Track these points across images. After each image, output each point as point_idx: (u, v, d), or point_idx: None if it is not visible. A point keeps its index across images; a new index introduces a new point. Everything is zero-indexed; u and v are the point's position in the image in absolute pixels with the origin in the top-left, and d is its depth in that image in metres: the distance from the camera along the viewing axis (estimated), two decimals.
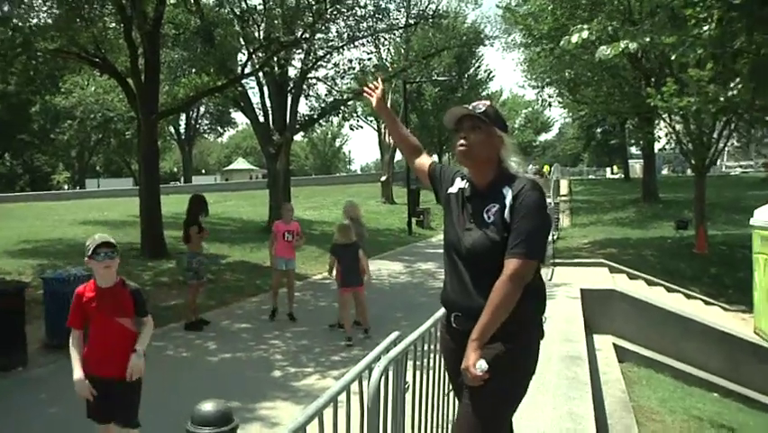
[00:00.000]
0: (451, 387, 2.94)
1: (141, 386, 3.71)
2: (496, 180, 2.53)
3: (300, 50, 18.58)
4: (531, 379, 2.58)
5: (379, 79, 3.23)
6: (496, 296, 2.37)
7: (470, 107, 2.58)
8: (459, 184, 2.67)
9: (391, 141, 34.97)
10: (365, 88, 3.22)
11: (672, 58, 5.87)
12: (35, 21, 13.57)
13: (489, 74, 45.84)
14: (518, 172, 2.56)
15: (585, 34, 5.62)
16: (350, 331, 7.59)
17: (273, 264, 9.13)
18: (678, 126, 16.90)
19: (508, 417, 2.62)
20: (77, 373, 3.50)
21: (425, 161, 2.99)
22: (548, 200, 2.54)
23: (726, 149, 32.18)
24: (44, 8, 13.96)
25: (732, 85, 7.40)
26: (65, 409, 5.49)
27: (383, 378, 2.45)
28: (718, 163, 41.94)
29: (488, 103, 2.62)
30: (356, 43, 19.73)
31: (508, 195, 2.45)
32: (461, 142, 2.55)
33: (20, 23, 12.52)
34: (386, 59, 28.01)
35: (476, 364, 2.36)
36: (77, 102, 37.27)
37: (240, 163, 70.97)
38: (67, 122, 39.49)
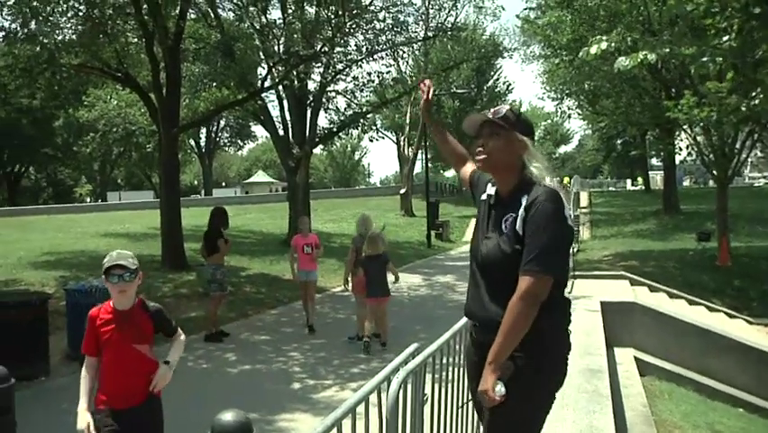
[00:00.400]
0: (470, 397, 2.82)
1: (161, 407, 3.45)
2: (517, 188, 2.42)
3: (319, 64, 18.69)
4: (555, 396, 2.48)
5: (428, 82, 3.04)
6: (509, 317, 2.27)
7: (489, 113, 2.50)
8: (489, 191, 2.57)
9: (411, 153, 35.03)
10: (420, 85, 3.05)
11: (692, 69, 5.85)
12: (60, 37, 13.81)
13: (508, 86, 45.80)
14: (540, 180, 2.39)
15: (604, 45, 5.60)
16: (367, 331, 7.73)
17: (296, 278, 9.25)
18: (699, 138, 16.76)
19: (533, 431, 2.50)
20: (82, 403, 3.26)
21: (468, 168, 2.90)
22: (569, 212, 2.42)
23: (750, 159, 31.81)
24: (69, 24, 14.20)
25: (753, 95, 7.33)
26: None
27: (402, 390, 2.45)
28: (742, 174, 41.46)
29: (507, 107, 2.51)
30: (375, 56, 19.83)
31: (523, 204, 2.34)
32: (479, 150, 2.48)
33: (45, 40, 12.77)
34: (405, 72, 28.07)
35: (495, 389, 2.27)
36: (99, 115, 37.81)
37: (260, 176, 71.45)
38: (89, 135, 40.03)
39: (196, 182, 76.20)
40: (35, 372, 6.68)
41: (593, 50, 5.71)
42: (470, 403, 3.03)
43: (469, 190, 2.86)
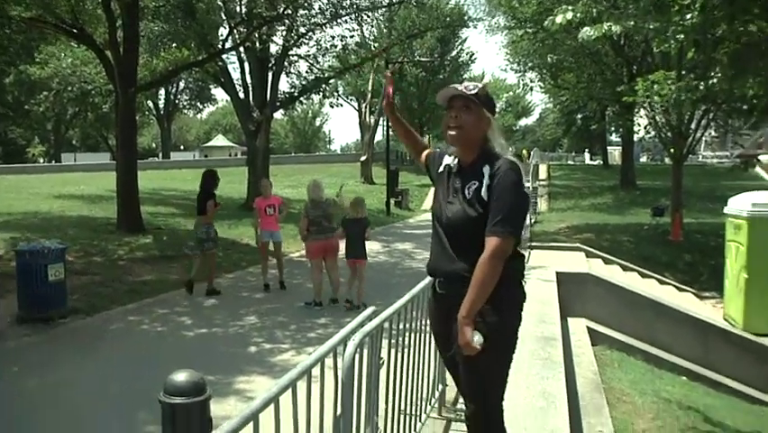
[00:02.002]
0: (440, 351, 3.12)
1: None
2: (479, 159, 2.64)
3: (282, 26, 18.35)
4: (517, 339, 2.76)
5: (389, 73, 3.25)
6: (480, 273, 2.49)
7: (463, 88, 2.67)
8: (447, 161, 2.81)
9: (372, 121, 34.88)
10: (387, 74, 3.26)
11: (655, 44, 5.89)
12: None
13: (471, 56, 45.73)
14: (501, 153, 2.64)
15: (570, 15, 5.61)
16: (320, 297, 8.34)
17: (259, 239, 9.43)
18: (657, 116, 17.04)
19: (506, 375, 2.76)
20: None
21: (423, 154, 3.14)
22: (526, 184, 2.63)
23: (704, 139, 32.53)
24: None
25: (712, 74, 7.46)
26: (38, 381, 5.45)
27: (358, 352, 2.45)
28: (696, 153, 42.41)
29: (480, 85, 2.70)
30: (338, 21, 19.57)
31: (487, 173, 2.58)
32: (453, 121, 2.66)
33: None
34: (368, 38, 27.76)
35: (473, 340, 2.48)
36: (52, 73, 36.51)
37: (219, 140, 70.34)
38: (42, 93, 38.70)
39: (154, 145, 74.57)
40: None
41: (559, 19, 5.72)
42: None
43: (425, 170, 3.09)
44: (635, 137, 28.06)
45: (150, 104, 52.61)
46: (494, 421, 2.75)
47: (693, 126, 16.70)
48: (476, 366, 2.63)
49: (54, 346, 6.59)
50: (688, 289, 12.90)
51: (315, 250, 8.37)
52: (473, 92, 2.64)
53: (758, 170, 33.43)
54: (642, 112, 19.80)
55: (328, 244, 8.33)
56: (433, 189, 2.97)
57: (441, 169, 2.84)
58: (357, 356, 2.46)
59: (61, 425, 4.49)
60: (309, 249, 8.48)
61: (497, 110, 2.83)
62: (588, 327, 8.71)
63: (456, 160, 2.75)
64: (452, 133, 2.66)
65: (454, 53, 44.33)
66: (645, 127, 18.20)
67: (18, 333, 6.88)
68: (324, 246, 8.33)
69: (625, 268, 12.88)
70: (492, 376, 2.70)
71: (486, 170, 2.58)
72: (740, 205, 9.54)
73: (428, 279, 3.20)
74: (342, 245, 8.45)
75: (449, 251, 2.68)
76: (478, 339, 2.48)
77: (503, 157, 2.61)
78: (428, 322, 3.28)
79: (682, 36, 5.85)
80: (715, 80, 6.87)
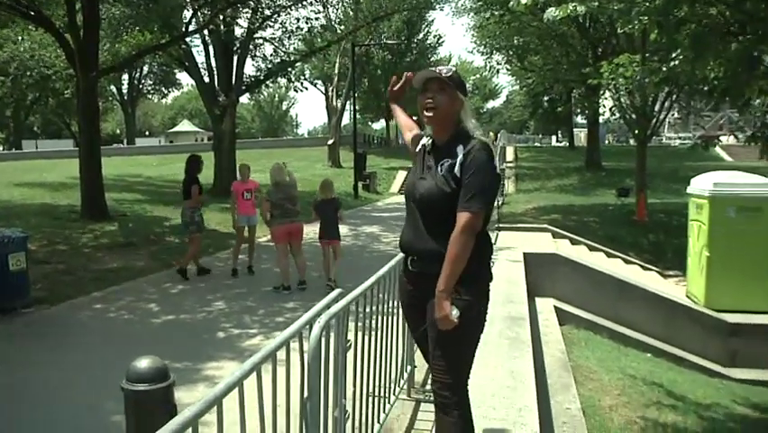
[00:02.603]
0: (411, 329, 3.24)
1: None
2: (452, 139, 2.76)
3: (247, 9, 18.10)
4: (486, 317, 2.87)
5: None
6: (453, 248, 2.61)
7: (438, 71, 2.80)
8: (423, 141, 2.95)
9: (339, 104, 34.69)
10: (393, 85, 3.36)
11: (619, 25, 5.91)
12: None
13: (438, 39, 45.74)
14: (474, 133, 2.75)
15: None
16: (288, 280, 8.39)
17: (236, 223, 9.60)
18: (622, 98, 17.21)
19: (474, 351, 2.86)
20: None
21: (412, 134, 3.25)
22: (496, 163, 2.69)
23: (668, 120, 33.03)
24: None
25: (674, 55, 7.54)
26: (1, 373, 5.35)
27: (324, 334, 2.44)
28: (660, 134, 43.07)
29: (453, 69, 2.85)
30: (304, 3, 19.35)
31: (460, 152, 2.69)
32: (429, 102, 2.77)
33: None
34: (334, 21, 27.54)
35: (451, 313, 2.60)
36: (9, 57, 35.47)
37: (185, 125, 69.23)
38: None
39: (118, 131, 73.28)
40: None
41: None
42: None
43: (412, 150, 3.15)
44: (601, 119, 28.39)
45: (114, 89, 51.62)
46: (462, 398, 2.82)
47: (657, 108, 16.92)
48: (449, 342, 2.72)
49: (17, 337, 6.46)
50: (652, 268, 13.15)
51: (281, 234, 8.38)
52: (448, 75, 2.77)
53: (719, 150, 34.10)
54: (607, 94, 19.99)
55: (293, 227, 8.40)
56: (400, 172, 3.03)
57: (418, 148, 2.98)
58: (323, 339, 2.45)
59: (27, 417, 4.41)
60: (274, 233, 8.48)
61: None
62: (555, 307, 8.83)
63: (430, 140, 2.88)
64: (429, 114, 2.78)
65: (421, 36, 44.29)
66: (611, 109, 18.37)
67: None
68: (288, 230, 8.36)
69: (591, 248, 13.06)
70: (462, 353, 2.80)
71: (459, 149, 2.69)
72: (702, 185, 9.72)
73: (394, 260, 3.30)
74: (315, 228, 8.57)
75: (422, 228, 2.78)
76: (455, 313, 2.60)
77: (476, 137, 2.73)
78: (398, 302, 3.35)
79: (645, 18, 5.92)
80: (677, 62, 6.94)
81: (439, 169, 2.72)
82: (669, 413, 6.12)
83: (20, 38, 34.66)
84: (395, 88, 3.30)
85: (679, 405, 6.40)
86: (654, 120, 17.03)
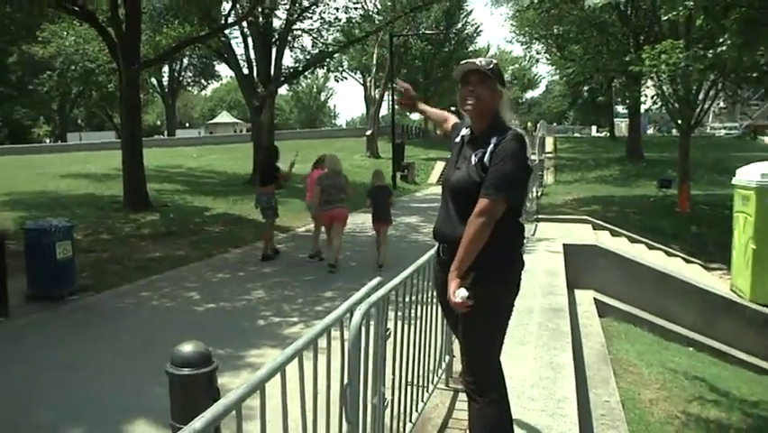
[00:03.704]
0: (445, 316, 3.33)
1: None
2: (488, 130, 2.79)
3: (285, 0, 18.18)
4: (513, 306, 2.87)
5: (399, 82, 3.59)
6: (467, 231, 2.65)
7: (478, 62, 2.82)
8: (462, 132, 2.98)
9: (377, 95, 34.65)
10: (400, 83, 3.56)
11: (662, 11, 5.78)
12: None
13: (476, 29, 45.32)
14: (510, 125, 2.79)
15: None
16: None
17: (313, 210, 9.79)
18: (665, 87, 16.86)
19: (497, 338, 2.86)
20: None
21: (449, 123, 3.35)
22: (532, 156, 2.71)
23: (713, 110, 32.21)
24: None
25: (720, 41, 7.33)
26: (45, 355, 5.51)
27: (364, 322, 2.46)
28: (704, 124, 42.04)
29: (494, 61, 2.87)
30: None
31: (493, 142, 2.72)
32: (469, 94, 2.79)
33: None
34: (372, 12, 27.48)
35: (456, 293, 2.59)
36: (55, 52, 36.26)
37: (224, 117, 70.05)
38: (46, 73, 38.53)
39: (159, 123, 74.45)
40: None
41: None
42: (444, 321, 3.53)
43: (449, 138, 3.23)
44: (642, 108, 27.85)
45: (155, 81, 52.33)
46: (487, 384, 2.83)
47: (701, 96, 16.53)
48: (469, 327, 2.77)
49: (64, 323, 6.64)
50: (695, 260, 12.88)
51: (324, 218, 9.21)
52: (489, 67, 2.79)
53: (767, 140, 33.15)
54: (649, 82, 19.60)
55: (336, 212, 9.05)
56: (438, 163, 3.05)
57: (457, 139, 3.01)
58: (363, 327, 2.46)
59: (73, 400, 4.54)
60: (320, 217, 9.32)
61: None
62: (595, 299, 8.72)
63: (469, 130, 2.92)
64: (469, 106, 2.81)
65: (460, 26, 43.90)
66: (652, 98, 18.01)
67: (28, 310, 6.93)
68: (332, 215, 9.06)
69: (632, 240, 12.86)
70: (484, 338, 2.81)
71: (494, 140, 2.72)
72: (748, 175, 9.47)
73: (433, 250, 3.29)
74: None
75: (454, 217, 2.81)
76: (462, 294, 2.58)
77: (512, 129, 2.76)
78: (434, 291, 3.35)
79: (691, 2, 5.77)
80: (724, 48, 6.75)
81: (473, 158, 2.76)
82: (712, 409, 6.00)
83: (65, 33, 35.40)
84: (403, 103, 3.44)
85: (723, 401, 6.27)
86: (698, 109, 16.65)
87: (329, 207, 9.01)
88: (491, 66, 2.82)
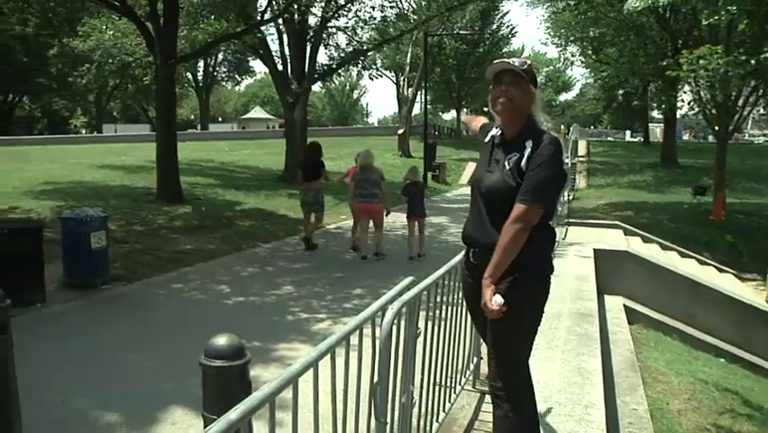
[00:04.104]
0: (473, 321, 3.26)
1: None
2: (522, 133, 2.72)
3: None
4: (544, 310, 2.83)
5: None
6: (503, 237, 2.61)
7: (513, 62, 2.75)
8: (492, 133, 2.90)
9: (410, 94, 34.63)
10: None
11: (704, 16, 5.67)
12: None
13: (511, 30, 45.01)
14: (544, 127, 2.75)
15: None
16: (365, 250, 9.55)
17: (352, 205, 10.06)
18: (702, 92, 16.58)
19: (527, 344, 2.83)
20: None
21: (478, 125, 3.33)
22: (566, 160, 2.68)
23: (752, 116, 31.57)
24: None
25: (764, 48, 7.18)
26: (80, 341, 5.63)
27: (396, 321, 2.47)
28: (742, 131, 41.24)
29: (527, 61, 2.80)
30: None
31: (529, 147, 2.66)
32: (502, 95, 2.72)
33: None
34: (407, 10, 27.46)
35: (492, 300, 2.57)
36: (94, 45, 36.93)
37: (257, 112, 70.62)
38: (85, 66, 39.24)
39: (192, 117, 75.32)
40: (32, 298, 6.70)
41: None
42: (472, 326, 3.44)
43: (479, 138, 3.19)
44: (678, 114, 27.42)
45: (190, 76, 53.00)
46: (514, 392, 2.78)
47: (740, 103, 16.22)
48: (499, 332, 2.72)
49: (98, 311, 6.77)
50: (728, 270, 12.67)
51: (358, 210, 9.57)
52: (523, 67, 2.73)
53: None
54: (686, 87, 19.29)
55: (370, 206, 9.40)
56: (470, 164, 3.01)
57: (486, 139, 2.94)
58: (395, 325, 2.48)
59: (105, 387, 4.63)
60: (353, 209, 9.73)
61: (537, 84, 2.90)
62: (625, 305, 8.62)
63: (500, 132, 2.83)
64: (501, 107, 2.74)
65: (495, 27, 43.65)
66: (689, 103, 17.72)
67: (63, 298, 7.08)
68: (365, 208, 9.42)
69: (664, 247, 12.69)
70: (513, 344, 2.76)
71: (529, 143, 2.66)
72: None
73: (465, 251, 3.23)
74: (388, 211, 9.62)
75: (486, 221, 2.76)
76: (498, 300, 2.56)
77: (547, 132, 2.71)
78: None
79: (734, 7, 5.66)
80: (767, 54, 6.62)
81: (507, 163, 2.70)
82: (744, 423, 5.89)
83: (105, 27, 36.04)
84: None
85: (756, 415, 6.15)
86: (737, 115, 16.34)
87: (362, 200, 9.36)
88: (525, 66, 2.75)
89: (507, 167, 2.69)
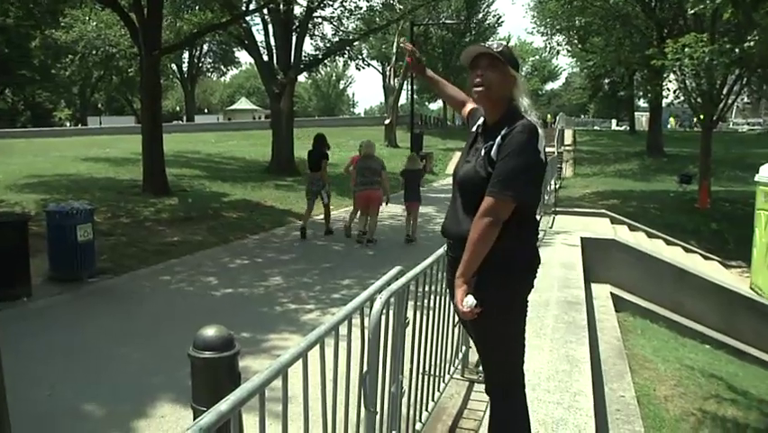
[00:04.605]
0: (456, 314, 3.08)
1: None
2: (502, 119, 2.54)
3: None
4: (528, 302, 2.64)
5: (404, 44, 3.34)
6: (472, 233, 2.42)
7: (487, 46, 2.60)
8: (479, 122, 2.73)
9: (396, 83, 34.58)
10: (407, 56, 3.24)
11: (689, 4, 5.69)
12: None
13: (497, 19, 45.06)
14: (526, 113, 2.53)
15: None
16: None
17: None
18: (688, 81, 16.66)
19: (512, 344, 2.65)
20: None
21: (467, 108, 3.06)
22: (550, 149, 2.51)
23: (736, 105, 31.78)
24: None
25: (749, 37, 7.21)
26: (66, 335, 5.60)
27: (384, 310, 2.47)
28: (727, 120, 41.54)
29: (504, 43, 2.65)
30: None
31: (501, 134, 2.48)
32: (478, 80, 2.56)
33: None
34: (393, 0, 27.38)
35: (463, 301, 2.39)
36: (78, 37, 36.52)
37: (243, 103, 70.29)
38: (68, 57, 38.83)
39: (178, 108, 74.86)
40: (17, 292, 6.65)
41: None
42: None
43: (468, 125, 2.99)
44: (664, 103, 27.56)
45: (175, 67, 52.64)
46: (507, 387, 2.69)
47: (725, 91, 16.32)
48: (479, 332, 2.60)
49: (84, 305, 6.73)
50: (713, 257, 12.79)
51: (360, 198, 10.05)
52: (498, 50, 2.56)
53: None
54: (671, 76, 19.38)
55: (370, 193, 9.88)
56: (456, 153, 2.91)
57: (473, 128, 2.77)
58: (383, 315, 2.48)
59: (92, 381, 4.61)
60: (355, 197, 10.19)
61: (523, 74, 2.75)
62: (611, 293, 8.68)
63: (482, 120, 2.69)
64: (478, 92, 2.58)
65: (481, 16, 43.67)
66: (675, 92, 17.80)
67: (49, 291, 7.02)
68: (367, 195, 9.90)
69: (650, 235, 12.79)
70: (499, 343, 2.61)
71: (503, 131, 2.47)
72: None
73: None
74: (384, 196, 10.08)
75: (459, 212, 2.60)
76: (469, 301, 2.38)
77: (524, 119, 2.49)
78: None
79: None
80: (752, 44, 6.62)
81: (482, 151, 2.52)
82: (729, 407, 5.96)
83: (87, 18, 35.65)
84: (412, 65, 3.18)
85: (740, 400, 6.23)
86: (722, 104, 16.44)
87: (363, 188, 9.90)
88: (501, 48, 2.57)
89: (481, 155, 2.51)
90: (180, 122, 55.81)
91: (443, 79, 3.38)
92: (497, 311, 2.48)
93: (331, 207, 11.18)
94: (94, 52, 37.62)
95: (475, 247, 2.40)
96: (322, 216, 11.21)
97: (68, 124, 56.53)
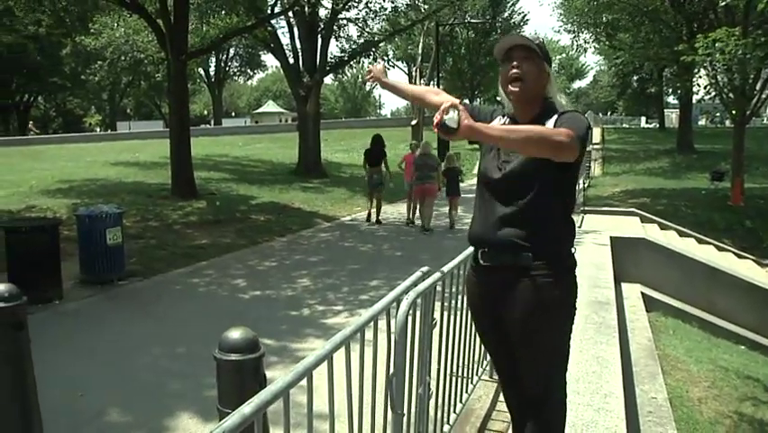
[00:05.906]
0: (481, 335, 2.79)
1: None
2: (540, 115, 2.35)
3: None
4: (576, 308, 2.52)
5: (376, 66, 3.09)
6: (534, 128, 2.19)
7: (523, 37, 2.42)
8: (499, 122, 2.48)
9: (422, 84, 34.48)
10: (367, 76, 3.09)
11: None
12: None
13: (523, 17, 44.66)
14: (564, 108, 2.37)
15: None
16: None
17: (410, 185, 12.01)
18: (719, 76, 16.35)
19: (568, 345, 2.53)
20: None
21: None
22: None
23: None
24: None
25: None
26: (96, 337, 5.66)
27: (411, 311, 2.44)
28: (760, 115, 40.71)
29: (539, 37, 2.49)
30: None
31: (551, 123, 2.29)
32: (515, 71, 2.33)
33: None
34: (418, 0, 27.35)
35: (447, 111, 1.99)
36: (106, 43, 37.17)
37: (269, 106, 70.77)
38: (97, 63, 39.50)
39: (205, 112, 75.66)
40: (49, 295, 6.75)
41: None
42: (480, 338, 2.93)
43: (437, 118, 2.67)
44: (694, 99, 27.10)
45: (202, 71, 53.23)
46: (556, 398, 2.54)
47: (758, 86, 15.98)
48: (541, 344, 2.42)
49: (114, 307, 6.80)
50: (748, 256, 12.52)
51: (417, 191, 11.44)
52: (536, 42, 2.37)
53: None
54: (702, 72, 19.04)
55: (427, 186, 11.20)
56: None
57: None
58: (410, 316, 2.45)
59: (121, 383, 4.65)
60: (413, 190, 11.66)
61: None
62: (642, 293, 8.56)
63: (507, 119, 2.46)
64: (515, 87, 2.34)
65: (506, 14, 43.37)
66: (705, 88, 17.48)
67: (80, 294, 7.12)
68: (423, 188, 11.22)
69: (681, 233, 12.57)
70: (555, 356, 2.48)
71: (549, 122, 2.29)
72: None
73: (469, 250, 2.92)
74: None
75: (498, 215, 2.36)
76: (452, 116, 1.98)
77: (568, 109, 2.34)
78: (465, 299, 3.00)
79: None
80: None
81: None
82: (766, 410, 5.82)
83: (116, 24, 36.23)
84: (371, 76, 2.99)
85: None
86: (755, 99, 16.10)
87: (421, 182, 11.18)
88: (538, 41, 2.38)
89: None
90: (208, 125, 56.41)
91: (401, 85, 3.16)
92: (566, 313, 2.43)
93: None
94: (122, 58, 38.28)
95: (526, 135, 2.09)
96: (349, 217, 11.27)
97: (98, 130, 57.45)
